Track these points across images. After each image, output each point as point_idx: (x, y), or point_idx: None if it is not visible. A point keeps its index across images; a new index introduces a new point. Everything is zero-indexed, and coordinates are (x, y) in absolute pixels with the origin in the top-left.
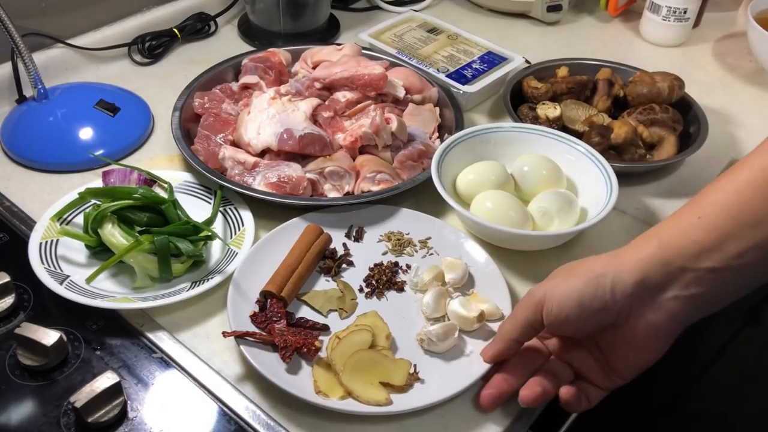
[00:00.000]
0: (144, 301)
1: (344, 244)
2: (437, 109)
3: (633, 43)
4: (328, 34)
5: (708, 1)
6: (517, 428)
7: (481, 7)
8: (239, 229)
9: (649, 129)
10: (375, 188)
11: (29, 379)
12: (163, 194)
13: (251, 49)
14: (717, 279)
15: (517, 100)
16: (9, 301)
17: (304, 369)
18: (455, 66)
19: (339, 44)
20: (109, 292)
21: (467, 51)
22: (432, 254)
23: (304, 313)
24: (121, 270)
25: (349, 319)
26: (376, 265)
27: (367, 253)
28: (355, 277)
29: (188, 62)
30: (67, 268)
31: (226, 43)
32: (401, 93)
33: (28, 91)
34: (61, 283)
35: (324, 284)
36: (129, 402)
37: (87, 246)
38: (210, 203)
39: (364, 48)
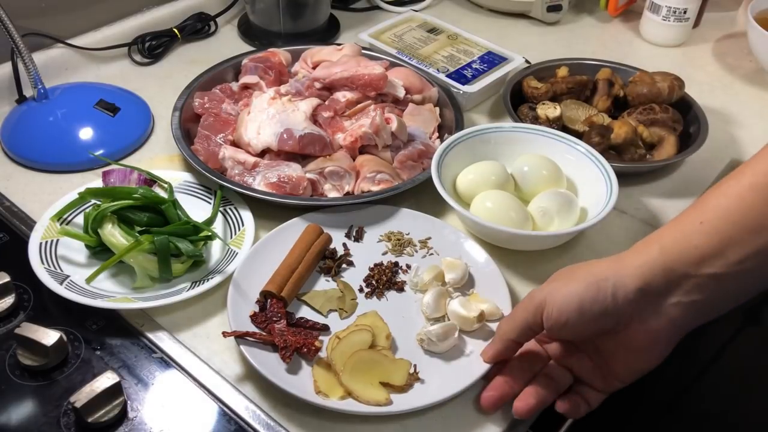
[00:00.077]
0: (144, 301)
1: (344, 244)
2: (437, 109)
3: (633, 43)
4: (328, 34)
5: (708, 1)
6: (517, 428)
7: (481, 7)
8: (239, 229)
9: (649, 129)
10: (375, 188)
11: (29, 379)
12: (163, 194)
13: (251, 49)
14: (718, 285)
15: (517, 100)
16: (9, 301)
17: (304, 369)
18: (455, 66)
19: (339, 44)
20: (109, 292)
21: (467, 51)
22: (432, 254)
23: (304, 313)
24: (121, 270)
25: (349, 319)
26: (376, 265)
27: (367, 253)
28: (355, 277)
29: (188, 62)
30: (67, 268)
31: (226, 43)
32: (401, 93)
33: (28, 91)
34: (61, 283)
35: (324, 284)
36: (129, 402)
37: (87, 246)
38: (210, 203)
39: (364, 48)
